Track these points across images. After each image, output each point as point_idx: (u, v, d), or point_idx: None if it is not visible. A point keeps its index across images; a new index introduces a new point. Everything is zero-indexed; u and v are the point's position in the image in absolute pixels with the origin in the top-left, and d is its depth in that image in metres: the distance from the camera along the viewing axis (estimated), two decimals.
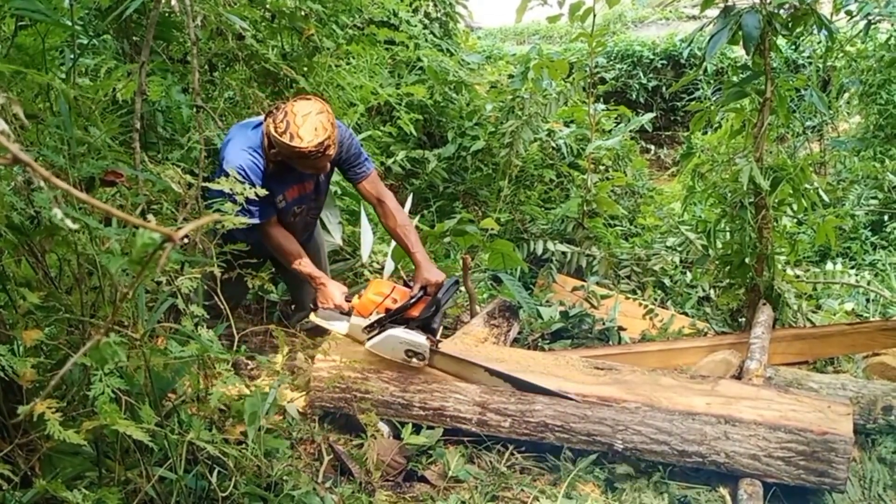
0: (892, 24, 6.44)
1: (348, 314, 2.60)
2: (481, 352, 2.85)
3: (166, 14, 3.12)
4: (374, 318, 2.52)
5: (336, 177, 3.44)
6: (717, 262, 3.75)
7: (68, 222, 0.64)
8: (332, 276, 3.27)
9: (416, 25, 5.74)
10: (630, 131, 5.77)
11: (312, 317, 2.70)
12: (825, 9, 3.96)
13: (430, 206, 5.59)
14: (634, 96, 10.75)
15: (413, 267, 2.73)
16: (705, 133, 7.05)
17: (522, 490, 2.31)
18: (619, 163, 6.11)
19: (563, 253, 4.87)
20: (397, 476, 2.36)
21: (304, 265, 2.69)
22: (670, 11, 12.81)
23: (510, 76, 5.91)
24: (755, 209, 3.34)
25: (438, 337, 2.59)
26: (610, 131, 5.81)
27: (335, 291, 2.66)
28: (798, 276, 4.36)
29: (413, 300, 2.52)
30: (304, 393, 2.64)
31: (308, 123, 2.38)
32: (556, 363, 2.72)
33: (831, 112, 7.58)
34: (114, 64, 2.94)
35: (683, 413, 2.35)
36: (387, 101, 4.67)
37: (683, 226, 5.26)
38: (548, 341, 3.60)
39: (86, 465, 1.69)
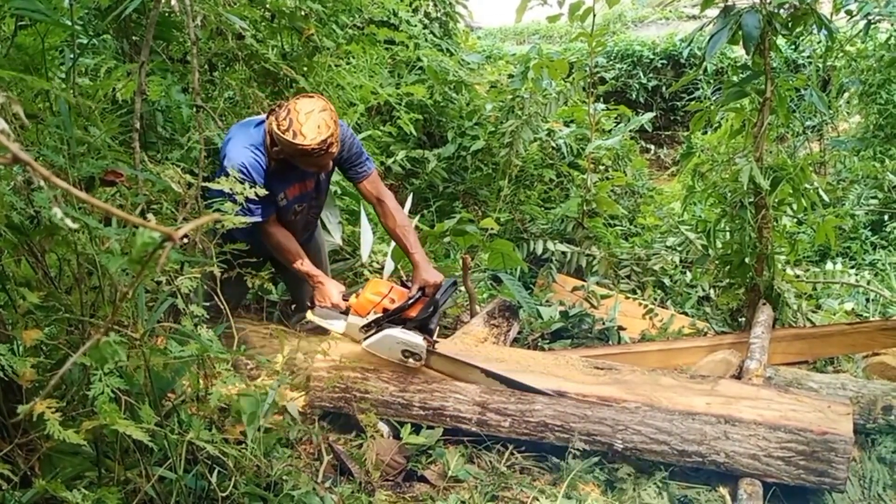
0: (892, 24, 6.43)
1: (346, 313, 2.60)
2: (481, 352, 2.86)
3: (166, 14, 3.12)
4: (371, 317, 2.52)
5: (336, 176, 3.44)
6: (717, 262, 3.75)
7: (68, 222, 0.64)
8: (332, 275, 3.27)
9: (416, 25, 5.74)
10: (630, 131, 5.77)
11: (310, 315, 2.70)
12: (825, 9, 3.96)
13: (430, 206, 5.59)
14: (634, 96, 10.74)
15: (412, 267, 2.73)
16: (705, 133, 7.05)
17: (522, 490, 2.31)
18: (618, 163, 6.11)
19: (563, 253, 4.87)
20: (397, 476, 2.36)
21: (303, 264, 2.69)
22: (670, 11, 12.81)
23: (510, 76, 5.91)
24: (755, 209, 3.34)
25: (435, 337, 2.59)
26: (610, 131, 5.81)
27: (333, 290, 2.67)
28: (798, 276, 4.36)
29: (411, 301, 2.53)
30: (303, 393, 2.64)
31: (311, 121, 2.38)
32: (556, 363, 2.72)
33: (831, 112, 7.58)
34: (114, 64, 2.94)
35: (683, 413, 2.35)
36: (387, 101, 4.67)
37: (683, 226, 5.26)
38: (548, 341, 3.60)
39: (85, 464, 1.69)
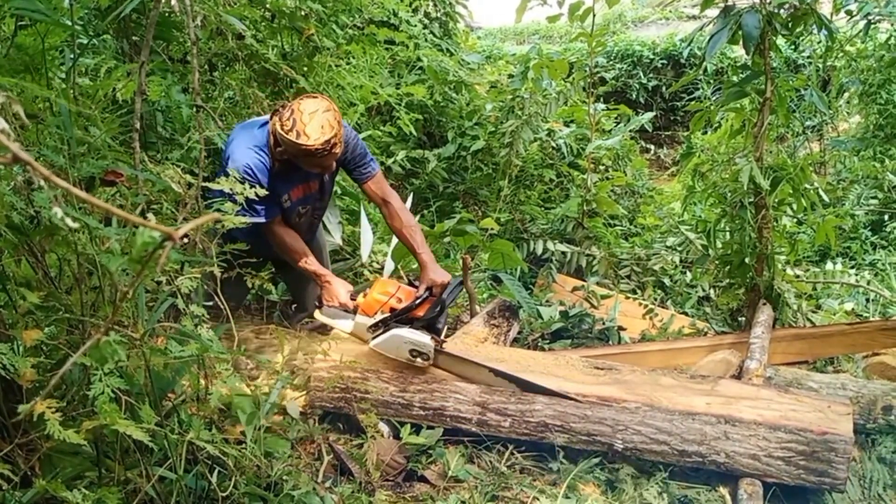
0: (892, 24, 6.44)
1: (353, 313, 2.60)
2: (481, 352, 2.85)
3: (166, 14, 3.12)
4: (378, 317, 2.52)
5: (336, 176, 3.44)
6: (717, 262, 3.75)
7: (68, 221, 0.64)
8: None
9: (416, 25, 5.74)
10: (630, 131, 5.77)
11: (317, 314, 2.70)
12: (825, 8, 3.96)
13: (430, 206, 5.59)
14: (634, 96, 10.74)
15: (415, 267, 2.73)
16: (705, 133, 7.06)
17: (522, 490, 2.31)
18: (619, 162, 6.11)
19: (563, 253, 4.86)
20: (397, 476, 2.36)
21: (310, 263, 2.69)
22: (670, 11, 12.81)
23: (510, 76, 5.91)
24: (755, 209, 3.34)
25: (443, 337, 2.58)
26: (610, 131, 5.81)
27: (340, 290, 2.66)
28: (798, 276, 4.36)
29: (418, 300, 2.52)
30: (303, 393, 2.64)
31: (315, 121, 2.38)
32: (556, 363, 2.72)
33: (831, 112, 7.58)
34: (114, 64, 2.94)
35: (683, 413, 2.35)
36: (387, 101, 4.67)
37: (683, 225, 5.26)
38: (548, 341, 3.60)
39: (86, 464, 1.69)
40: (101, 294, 1.70)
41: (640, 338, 3.72)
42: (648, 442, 2.35)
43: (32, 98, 1.82)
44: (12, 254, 1.67)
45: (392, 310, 2.51)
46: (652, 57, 10.94)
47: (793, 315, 3.57)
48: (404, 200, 2.98)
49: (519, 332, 3.57)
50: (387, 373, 2.58)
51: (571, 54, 9.63)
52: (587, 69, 5.19)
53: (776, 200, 3.39)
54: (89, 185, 1.80)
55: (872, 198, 6.44)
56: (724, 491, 2.33)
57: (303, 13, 3.52)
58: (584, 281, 4.52)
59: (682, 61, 10.65)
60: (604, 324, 3.69)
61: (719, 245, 3.70)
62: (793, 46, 9.09)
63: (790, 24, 3.19)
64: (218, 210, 1.96)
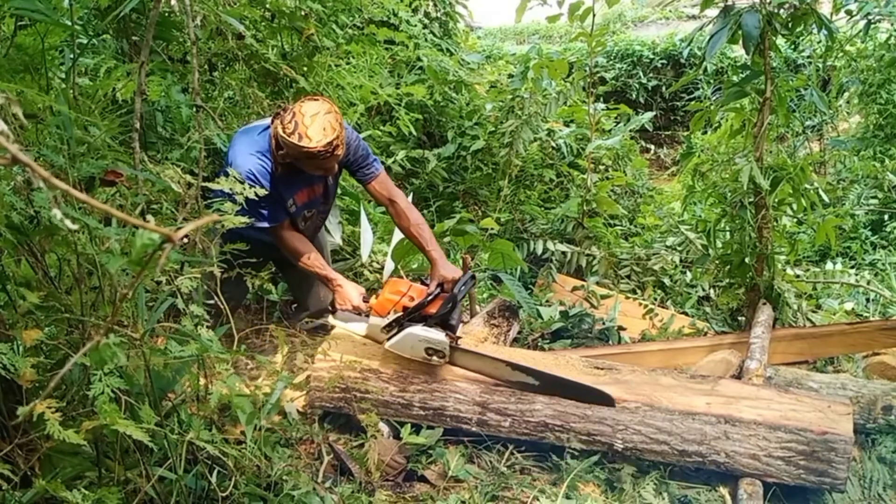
0: (892, 24, 6.44)
1: (366, 315, 2.59)
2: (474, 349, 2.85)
3: (166, 14, 3.12)
4: (391, 317, 2.50)
5: (339, 179, 3.44)
6: (717, 262, 3.75)
7: (68, 223, 0.64)
8: None
9: (415, 25, 5.73)
10: (630, 131, 5.77)
11: (331, 319, 2.70)
12: (825, 8, 3.96)
13: (430, 206, 5.59)
14: (634, 96, 10.75)
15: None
16: (705, 133, 7.06)
17: (522, 490, 2.31)
18: (619, 162, 6.11)
19: (563, 253, 4.86)
20: (397, 476, 2.36)
21: (320, 267, 2.68)
22: (670, 11, 12.80)
23: (510, 76, 5.91)
24: (755, 209, 3.34)
25: (458, 333, 2.57)
26: (610, 131, 5.80)
27: (352, 293, 2.65)
28: (798, 276, 4.36)
29: (430, 297, 2.50)
30: (303, 393, 2.64)
31: (316, 123, 2.38)
32: (556, 363, 2.72)
33: (831, 112, 7.58)
34: (114, 64, 2.94)
35: (683, 413, 2.35)
36: (387, 101, 4.67)
37: (683, 225, 5.26)
38: (548, 341, 3.60)
39: (86, 464, 1.69)
40: (101, 294, 1.70)
41: (640, 338, 3.72)
42: (648, 442, 2.35)
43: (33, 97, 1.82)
44: (12, 254, 1.67)
45: (405, 308, 2.49)
46: (652, 57, 10.94)
47: (793, 315, 3.57)
48: None
49: (519, 332, 3.57)
50: (387, 373, 2.58)
51: (571, 54, 9.63)
52: (587, 69, 5.19)
53: (776, 200, 3.39)
54: (89, 185, 1.80)
55: (872, 198, 6.44)
56: (724, 491, 2.34)
57: (303, 13, 3.51)
58: (584, 281, 4.52)
59: (682, 61, 10.66)
60: (604, 324, 3.69)
61: (719, 245, 3.70)
62: (793, 46, 9.08)
63: (790, 24, 3.19)
64: (218, 210, 1.96)
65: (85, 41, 2.95)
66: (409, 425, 2.50)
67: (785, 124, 3.75)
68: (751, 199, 3.36)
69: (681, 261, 5.00)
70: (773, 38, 3.25)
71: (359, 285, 2.73)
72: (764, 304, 3.40)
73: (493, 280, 4.42)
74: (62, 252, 1.70)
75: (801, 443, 2.24)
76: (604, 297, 4.25)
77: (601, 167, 5.84)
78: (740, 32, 3.09)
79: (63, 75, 2.35)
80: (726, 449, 2.29)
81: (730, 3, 3.21)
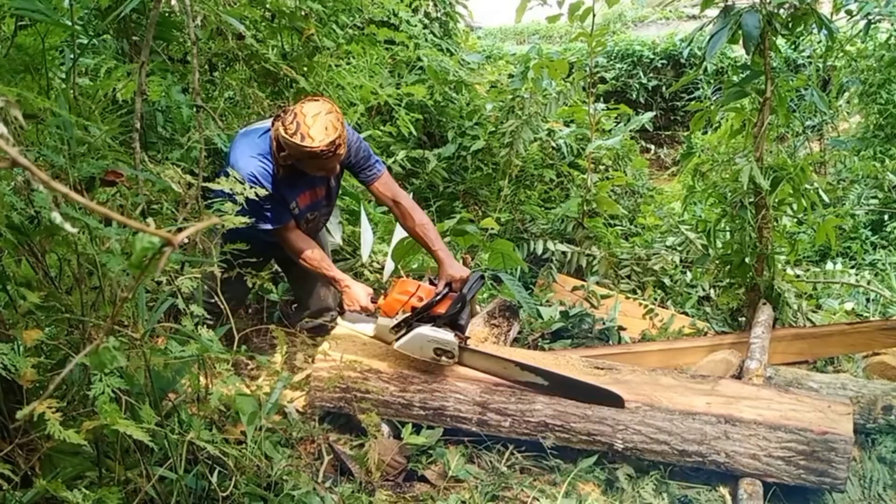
0: (892, 24, 6.43)
1: (374, 315, 2.59)
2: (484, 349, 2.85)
3: (166, 14, 3.12)
4: (400, 317, 2.50)
5: (341, 180, 3.44)
6: (717, 262, 3.75)
7: (67, 226, 0.64)
8: None
9: (416, 25, 5.73)
10: (630, 131, 5.77)
11: (339, 320, 2.69)
12: (825, 8, 3.96)
13: (430, 206, 5.59)
14: (634, 96, 10.75)
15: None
16: (705, 133, 7.06)
17: (522, 490, 2.32)
18: (619, 162, 6.11)
19: (563, 253, 4.86)
20: (397, 476, 2.36)
21: (327, 268, 2.68)
22: (670, 11, 12.80)
23: (510, 76, 5.90)
24: (755, 209, 3.34)
25: (467, 333, 2.56)
26: (610, 131, 5.80)
27: (360, 293, 2.65)
28: (798, 276, 4.36)
29: (438, 297, 2.49)
30: (304, 393, 2.64)
31: (318, 123, 2.38)
32: (556, 363, 2.72)
33: (831, 112, 7.57)
34: (114, 64, 2.94)
35: (683, 413, 2.36)
36: (387, 101, 4.67)
37: (683, 225, 5.26)
38: (548, 341, 3.60)
39: (86, 464, 1.69)
40: (101, 294, 1.70)
41: (640, 338, 3.72)
42: (649, 442, 2.35)
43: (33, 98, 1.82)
44: (12, 254, 1.67)
45: (413, 309, 2.48)
46: (652, 57, 10.94)
47: (793, 315, 3.57)
48: None
49: (519, 332, 3.57)
50: (387, 373, 2.58)
51: (571, 54, 9.63)
52: (587, 69, 5.19)
53: (776, 200, 3.39)
54: (90, 186, 1.80)
55: (872, 198, 6.44)
56: (724, 491, 2.34)
57: (303, 13, 3.51)
58: (584, 281, 4.52)
59: (682, 61, 10.66)
60: (604, 324, 3.69)
61: (719, 245, 3.70)
62: (793, 46, 9.08)
63: (790, 24, 3.19)
64: (218, 211, 1.96)
65: (85, 41, 2.95)
66: (409, 425, 2.50)
67: (785, 124, 3.75)
68: (751, 199, 3.36)
69: (681, 261, 5.00)
70: (774, 38, 3.25)
71: (367, 286, 2.72)
72: (764, 304, 3.40)
73: (493, 280, 4.42)
74: (62, 252, 1.70)
75: (802, 443, 2.24)
76: (604, 297, 4.25)
77: (601, 167, 5.84)
78: (740, 32, 3.09)
79: (63, 75, 2.35)
80: (726, 449, 2.29)
81: (730, 3, 3.21)
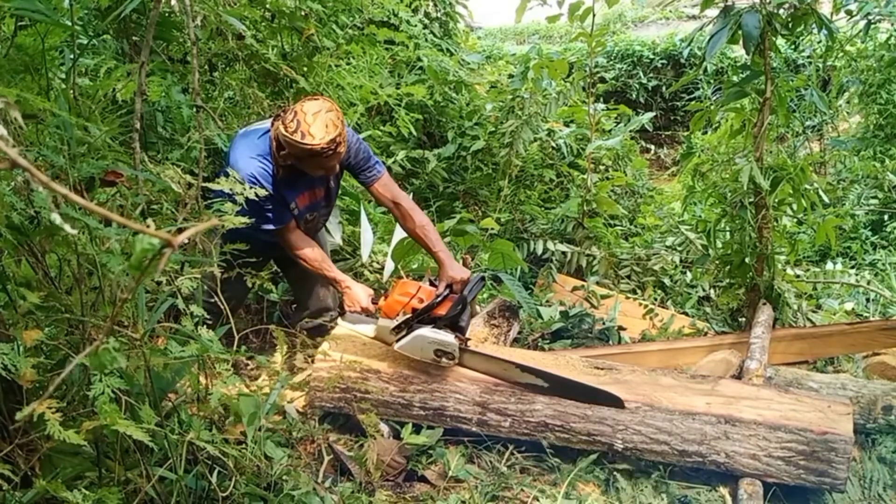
0: (892, 24, 6.44)
1: (375, 316, 2.59)
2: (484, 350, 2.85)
3: (166, 14, 3.12)
4: (400, 318, 2.50)
5: (340, 180, 3.44)
6: (717, 262, 3.75)
7: (67, 227, 0.64)
8: None
9: (416, 25, 5.73)
10: (630, 131, 5.77)
11: (340, 321, 2.69)
12: (825, 8, 3.96)
13: (430, 206, 5.59)
14: (634, 96, 10.75)
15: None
16: (705, 133, 7.06)
17: (522, 490, 2.32)
18: (619, 162, 6.11)
19: (563, 253, 4.86)
20: (397, 476, 2.36)
21: (328, 269, 2.68)
22: (670, 11, 12.80)
23: (510, 76, 5.90)
24: (755, 209, 3.34)
25: (467, 335, 2.56)
26: (610, 131, 5.80)
27: (361, 294, 2.65)
28: (798, 276, 4.36)
29: (439, 298, 2.49)
30: (303, 393, 2.64)
31: (319, 121, 2.38)
32: (556, 363, 2.72)
33: (831, 112, 7.58)
34: (114, 64, 2.94)
35: (683, 413, 2.36)
36: (387, 101, 4.67)
37: (683, 225, 5.26)
38: (548, 341, 3.60)
39: (86, 465, 1.69)
40: (101, 294, 1.70)
41: (640, 338, 3.72)
42: (649, 442, 2.35)
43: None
44: (12, 254, 1.67)
45: (414, 310, 2.48)
46: (652, 57, 10.94)
47: (793, 315, 3.57)
48: None
49: (519, 332, 3.57)
50: (387, 373, 2.58)
51: (571, 54, 9.63)
52: (587, 69, 5.19)
53: (776, 200, 3.39)
54: (89, 186, 1.80)
55: (872, 198, 6.44)
56: (724, 491, 2.34)
57: (303, 13, 3.51)
58: (584, 281, 4.52)
59: (682, 61, 10.66)
60: (604, 324, 3.69)
61: (719, 245, 3.70)
62: (793, 46, 9.08)
63: (790, 24, 3.19)
64: (218, 211, 1.96)
65: (85, 41, 2.95)
66: (409, 425, 2.50)
67: (785, 124, 3.76)
68: (751, 199, 3.36)
69: (681, 261, 5.00)
70: (773, 38, 3.25)
71: (367, 287, 2.73)
72: (764, 304, 3.40)
73: (493, 280, 4.42)
74: (62, 252, 1.70)
75: (801, 443, 2.24)
76: (604, 297, 4.25)
77: (601, 167, 5.84)
78: (740, 32, 3.09)
79: (63, 75, 2.35)
80: (726, 449, 2.29)
81: (730, 3, 3.21)
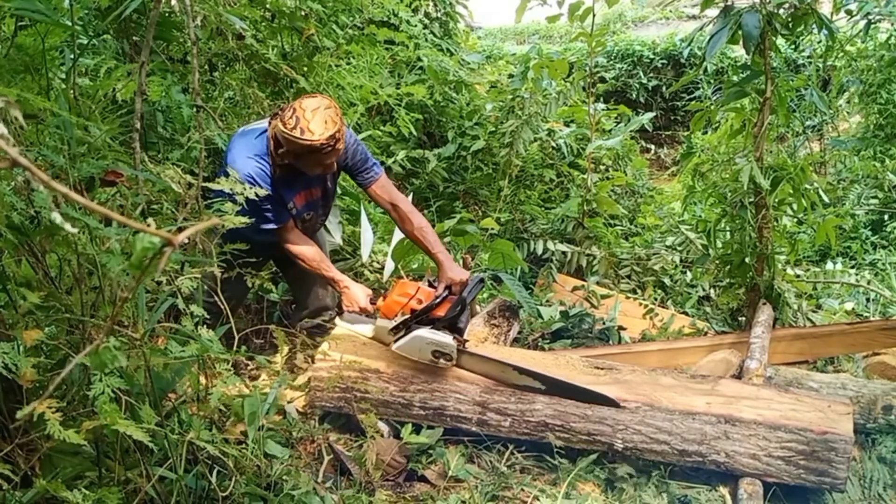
0: (892, 24, 6.44)
1: (373, 316, 2.59)
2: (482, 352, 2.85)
3: (166, 14, 3.12)
4: (399, 319, 2.50)
5: (338, 180, 3.44)
6: (717, 262, 3.75)
7: (67, 226, 0.64)
8: None
9: (416, 25, 5.73)
10: (630, 131, 5.77)
11: (338, 321, 2.69)
12: (825, 8, 3.96)
13: (430, 206, 5.59)
14: (634, 96, 10.75)
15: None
16: (705, 133, 7.06)
17: (522, 490, 2.31)
18: (619, 162, 6.11)
19: (563, 253, 4.87)
20: (397, 476, 2.36)
21: (327, 269, 2.68)
22: (670, 11, 12.80)
23: (510, 76, 5.91)
24: (755, 209, 3.35)
25: (465, 336, 2.56)
26: (610, 131, 5.81)
27: (360, 294, 2.65)
28: (798, 276, 4.36)
29: (438, 300, 2.49)
30: (303, 393, 2.64)
31: (317, 117, 2.38)
32: (556, 363, 2.72)
33: (831, 112, 7.58)
34: (114, 64, 2.94)
35: (683, 413, 2.35)
36: (387, 101, 4.67)
37: (683, 225, 5.27)
38: (548, 341, 3.60)
39: (86, 464, 1.69)
40: (101, 294, 1.71)
41: (640, 338, 3.72)
42: (649, 442, 2.35)
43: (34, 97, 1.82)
44: (12, 254, 1.67)
45: (412, 311, 2.48)
46: (652, 57, 10.94)
47: (793, 315, 3.57)
48: None
49: (519, 332, 3.57)
50: (387, 373, 2.58)
51: (571, 54, 9.63)
52: (587, 69, 5.19)
53: (776, 200, 3.39)
54: (90, 186, 1.80)
55: (872, 197, 6.44)
56: (724, 491, 2.34)
57: (303, 13, 3.52)
58: (585, 281, 4.52)
59: (682, 61, 10.66)
60: (604, 324, 3.69)
61: (719, 245, 3.70)
62: (793, 46, 9.08)
63: (790, 24, 3.19)
64: (218, 211, 1.96)
65: (85, 41, 2.95)
66: (409, 425, 2.50)
67: (785, 124, 3.76)
68: (751, 199, 3.36)
69: (681, 261, 5.00)
70: (773, 38, 3.25)
71: (366, 287, 2.73)
72: (764, 304, 3.40)
73: (493, 280, 4.42)
74: (63, 252, 1.70)
75: (802, 443, 2.24)
76: (604, 297, 4.25)
77: (601, 167, 5.85)
78: (740, 32, 3.09)
79: (63, 75, 2.35)
80: (726, 449, 2.29)
81: (730, 3, 3.21)
